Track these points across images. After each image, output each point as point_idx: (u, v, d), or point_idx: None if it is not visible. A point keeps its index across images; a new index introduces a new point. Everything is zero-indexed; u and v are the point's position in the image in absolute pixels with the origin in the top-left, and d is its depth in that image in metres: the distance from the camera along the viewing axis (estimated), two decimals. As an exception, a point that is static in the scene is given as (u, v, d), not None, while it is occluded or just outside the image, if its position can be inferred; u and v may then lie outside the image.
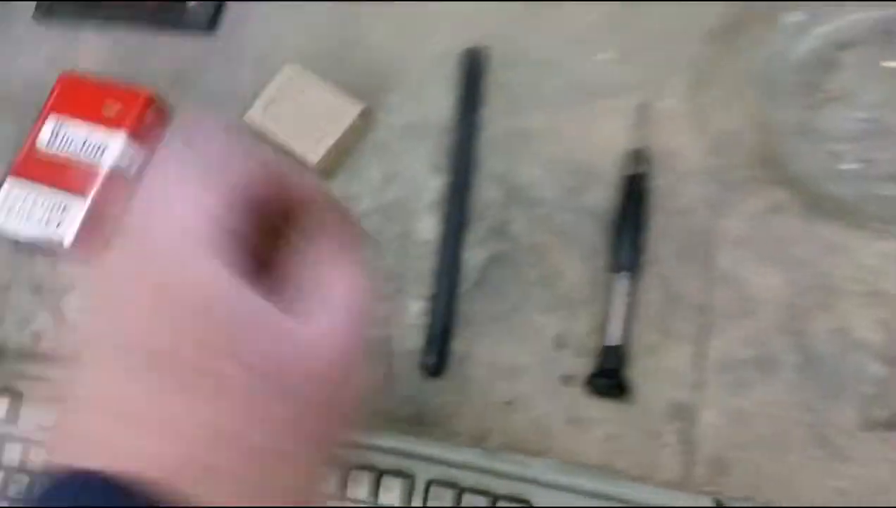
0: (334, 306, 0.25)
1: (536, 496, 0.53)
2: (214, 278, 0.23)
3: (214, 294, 0.23)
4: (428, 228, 0.46)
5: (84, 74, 0.50)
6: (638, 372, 0.41)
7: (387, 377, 0.41)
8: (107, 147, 0.47)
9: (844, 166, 0.41)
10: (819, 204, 0.42)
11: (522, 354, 0.43)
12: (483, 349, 0.43)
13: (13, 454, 0.60)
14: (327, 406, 0.25)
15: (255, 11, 0.53)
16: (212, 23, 0.53)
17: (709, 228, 0.43)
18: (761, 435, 0.39)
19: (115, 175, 0.47)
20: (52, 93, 0.49)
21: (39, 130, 0.48)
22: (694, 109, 0.44)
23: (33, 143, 0.48)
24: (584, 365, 0.42)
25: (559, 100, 0.47)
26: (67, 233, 0.46)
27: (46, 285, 0.49)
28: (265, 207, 0.25)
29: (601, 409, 0.41)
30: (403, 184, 0.47)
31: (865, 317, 0.40)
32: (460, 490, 0.54)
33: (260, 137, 0.49)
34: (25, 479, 0.60)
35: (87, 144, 0.47)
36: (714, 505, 0.51)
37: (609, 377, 0.40)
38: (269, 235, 0.26)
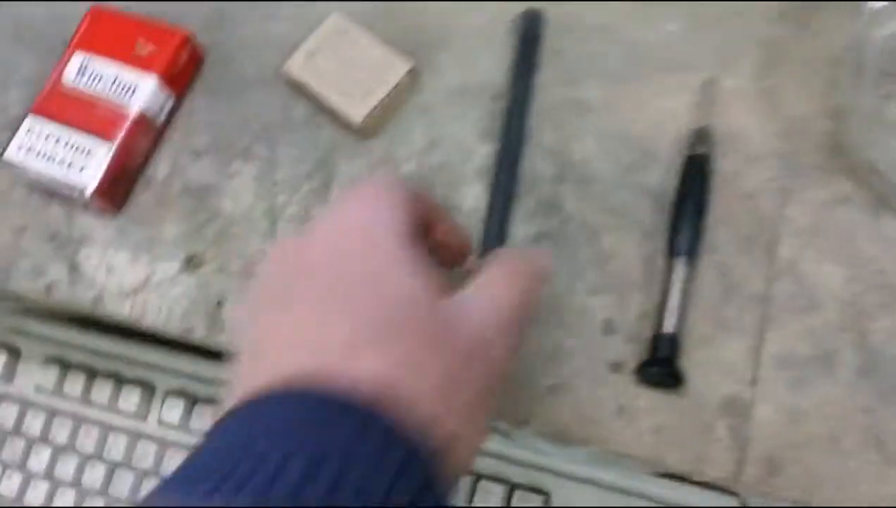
0: (497, 285, 0.31)
1: (556, 487, 0.52)
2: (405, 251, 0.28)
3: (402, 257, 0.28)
4: (473, 197, 0.44)
5: (115, 9, 0.47)
6: (691, 363, 0.39)
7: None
8: (137, 88, 0.44)
9: (919, 161, 0.39)
10: (888, 198, 0.40)
11: (569, 337, 0.41)
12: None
13: (9, 415, 0.58)
14: (493, 363, 0.29)
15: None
16: (250, -36, 0.50)
17: (772, 216, 0.41)
18: (816, 435, 0.38)
19: (143, 120, 0.44)
20: (79, 27, 0.46)
21: (65, 64, 0.45)
22: (763, 90, 0.42)
23: (58, 78, 0.45)
24: (633, 352, 0.40)
25: (619, 71, 0.44)
26: (90, 179, 0.43)
27: (62, 234, 0.46)
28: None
29: (650, 399, 0.39)
30: (449, 149, 0.45)
31: (931, 320, 0.38)
32: (476, 477, 0.52)
33: (299, 89, 0.46)
34: (21, 443, 0.57)
35: (116, 83, 0.44)
36: (739, 505, 0.50)
37: (663, 366, 0.38)
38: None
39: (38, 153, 0.44)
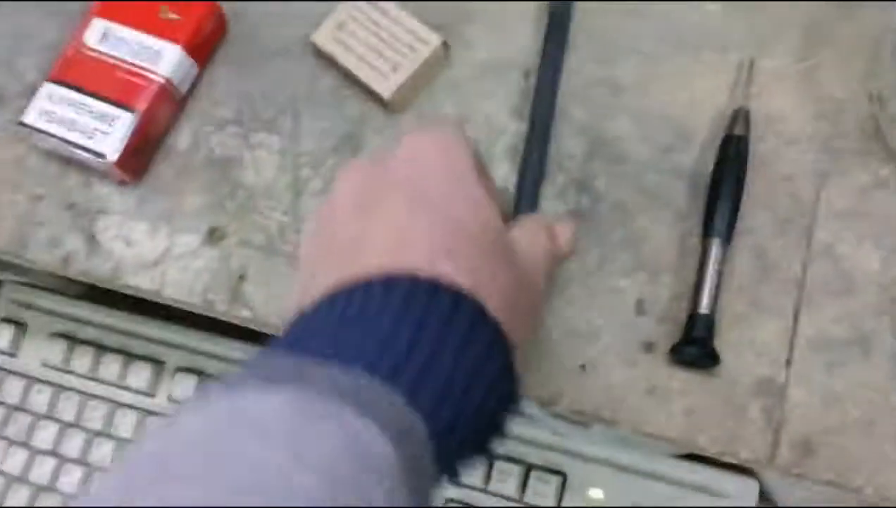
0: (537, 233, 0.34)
1: (573, 468, 0.51)
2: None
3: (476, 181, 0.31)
4: (503, 174, 0.43)
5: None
6: (725, 344, 0.39)
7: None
8: (161, 56, 0.43)
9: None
10: (925, 183, 0.40)
11: (600, 317, 0.40)
12: (558, 308, 0.41)
13: (14, 390, 0.56)
14: (534, 299, 0.33)
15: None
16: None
17: (809, 198, 0.40)
18: (851, 419, 0.38)
19: (167, 89, 0.43)
20: (101, -8, 0.44)
21: (86, 28, 0.43)
22: (803, 72, 0.42)
23: (80, 42, 0.43)
24: (666, 333, 0.40)
25: (654, 50, 0.44)
26: (111, 148, 0.42)
27: (80, 204, 0.45)
28: None
29: (683, 380, 0.39)
30: (479, 126, 0.44)
31: (968, 305, 0.38)
32: (493, 458, 0.52)
33: (326, 61, 0.45)
34: (27, 419, 0.56)
35: (140, 50, 0.43)
36: (760, 488, 0.49)
37: (699, 346, 0.38)
38: None
39: (59, 120, 0.42)
